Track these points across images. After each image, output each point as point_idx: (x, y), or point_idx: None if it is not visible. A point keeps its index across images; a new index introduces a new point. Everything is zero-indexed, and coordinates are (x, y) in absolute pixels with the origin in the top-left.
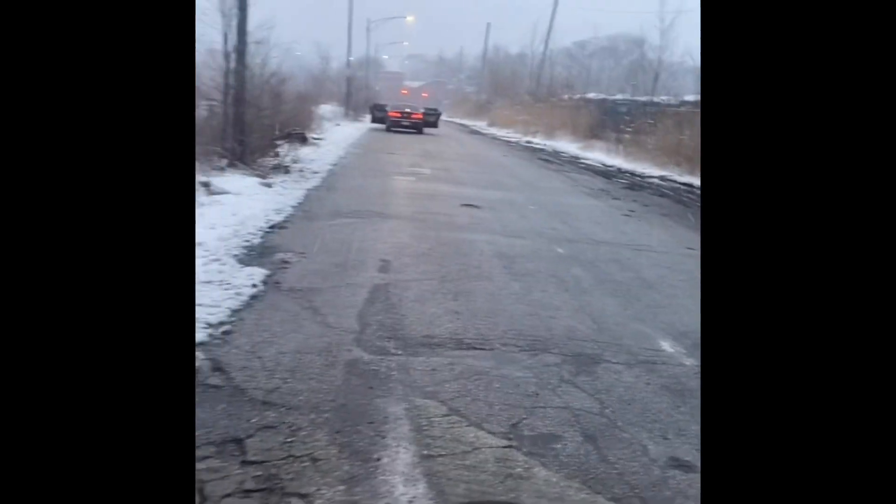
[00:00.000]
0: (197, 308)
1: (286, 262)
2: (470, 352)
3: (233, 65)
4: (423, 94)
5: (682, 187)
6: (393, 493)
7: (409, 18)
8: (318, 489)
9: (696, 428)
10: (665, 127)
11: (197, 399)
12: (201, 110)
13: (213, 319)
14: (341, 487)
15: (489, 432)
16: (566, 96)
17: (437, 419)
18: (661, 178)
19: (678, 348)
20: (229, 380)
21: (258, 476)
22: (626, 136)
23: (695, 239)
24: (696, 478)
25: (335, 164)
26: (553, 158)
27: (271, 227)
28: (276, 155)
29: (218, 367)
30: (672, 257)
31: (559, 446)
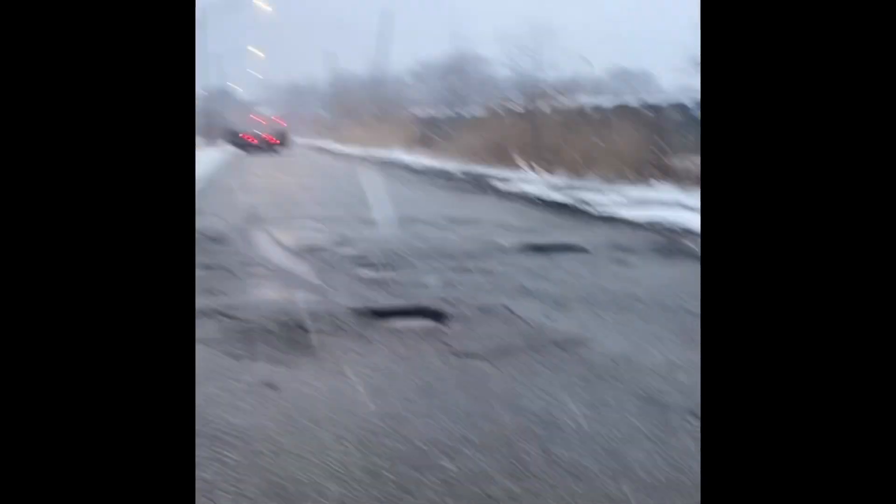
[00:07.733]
0: None
1: None
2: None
3: None
4: (281, 122)
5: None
6: None
7: (260, 54)
8: None
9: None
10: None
11: None
12: None
13: None
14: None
15: None
16: (397, 114)
17: None
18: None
19: None
20: None
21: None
22: (436, 140)
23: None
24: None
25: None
26: (368, 159)
27: None
28: None
29: None
30: None
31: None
